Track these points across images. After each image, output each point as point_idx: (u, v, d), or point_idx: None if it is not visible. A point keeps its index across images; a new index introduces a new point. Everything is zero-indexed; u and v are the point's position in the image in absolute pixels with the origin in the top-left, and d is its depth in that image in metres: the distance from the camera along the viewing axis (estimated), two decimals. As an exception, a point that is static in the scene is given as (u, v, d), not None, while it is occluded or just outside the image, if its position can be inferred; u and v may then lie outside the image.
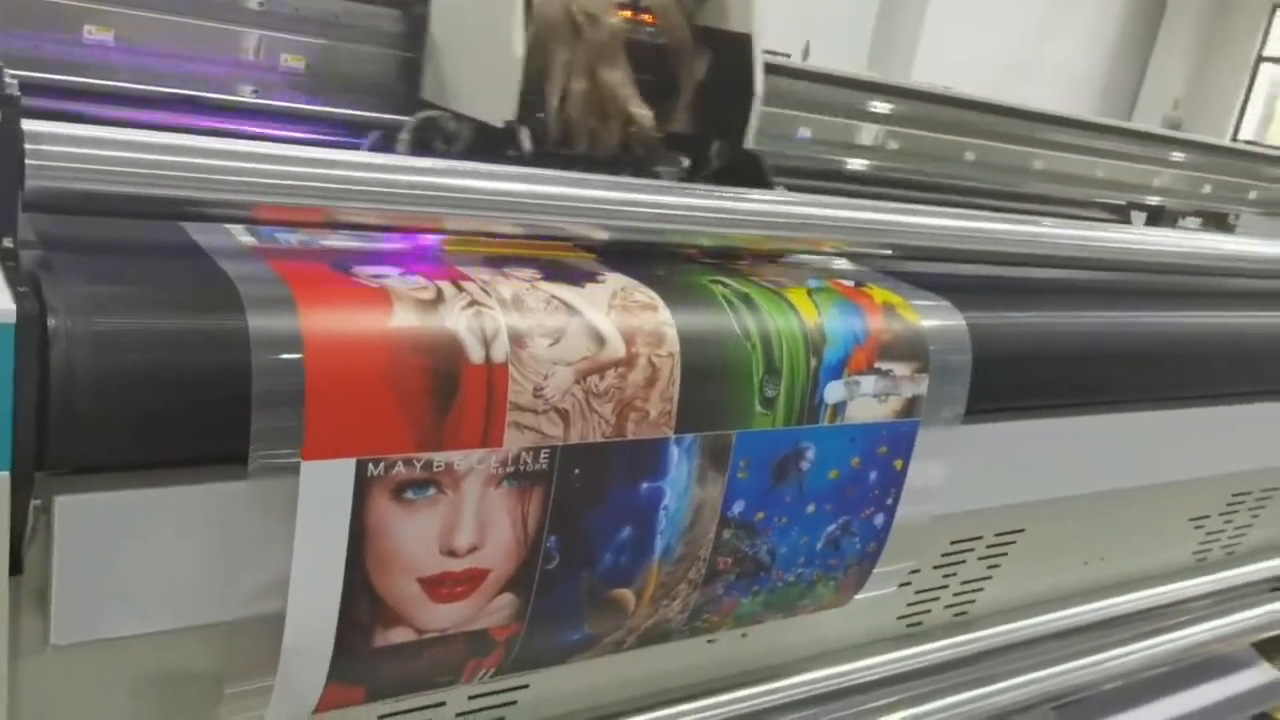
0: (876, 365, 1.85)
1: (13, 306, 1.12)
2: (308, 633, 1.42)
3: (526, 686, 1.86)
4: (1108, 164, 3.34)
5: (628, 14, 2.15)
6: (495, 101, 1.96)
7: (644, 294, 1.64)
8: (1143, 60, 12.17)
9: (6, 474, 1.16)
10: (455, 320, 1.43)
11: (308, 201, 1.43)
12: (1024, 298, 2.29)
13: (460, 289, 1.47)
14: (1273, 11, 12.13)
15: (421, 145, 2.12)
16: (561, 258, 1.76)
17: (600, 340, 1.55)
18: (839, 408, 1.83)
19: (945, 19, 9.53)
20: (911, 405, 1.92)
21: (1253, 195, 3.89)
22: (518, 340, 1.47)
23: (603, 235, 1.79)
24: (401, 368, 1.38)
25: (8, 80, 1.20)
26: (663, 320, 1.62)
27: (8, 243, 1.23)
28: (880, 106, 2.93)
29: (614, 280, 1.66)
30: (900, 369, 1.88)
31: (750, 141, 2.16)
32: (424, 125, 2.12)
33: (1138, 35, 12.00)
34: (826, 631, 2.20)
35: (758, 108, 2.13)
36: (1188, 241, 2.76)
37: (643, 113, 2.12)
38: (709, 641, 2.05)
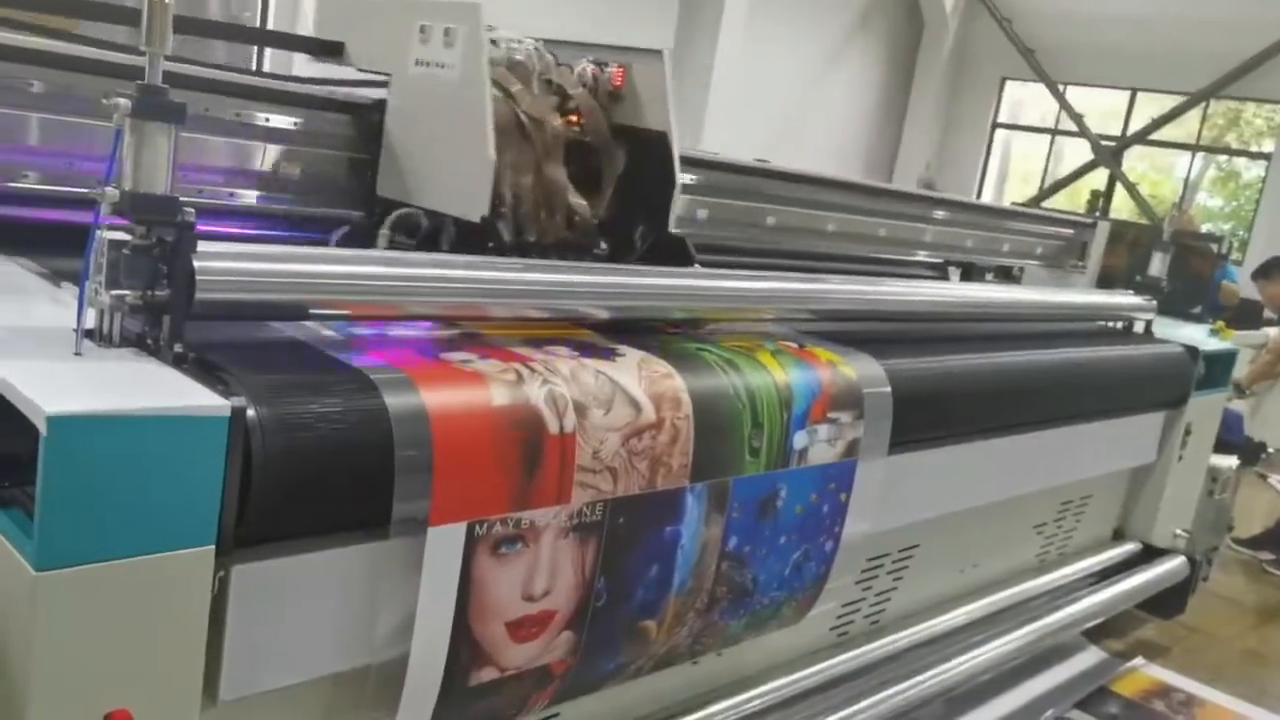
0: (829, 415, 2.22)
1: (226, 402, 1.29)
2: (423, 675, 1.60)
3: (558, 715, 2.07)
4: (935, 229, 3.90)
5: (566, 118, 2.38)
6: (469, 199, 2.15)
7: (660, 365, 1.93)
8: (897, 127, 13.57)
9: (212, 548, 1.31)
10: (536, 396, 1.67)
11: (401, 300, 1.64)
12: (905, 348, 2.71)
13: (531, 369, 1.71)
14: (1002, 83, 13.87)
15: (400, 239, 2.30)
16: (576, 336, 2.02)
17: (637, 407, 1.82)
18: (803, 453, 2.17)
19: (723, 100, 10.36)
20: (852, 447, 2.29)
21: (1039, 250, 4.60)
22: (581, 411, 1.72)
23: (604, 314, 2.06)
24: (502, 439, 1.61)
25: (185, 209, 1.37)
26: (679, 386, 1.91)
27: (178, 348, 1.39)
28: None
29: (632, 353, 1.94)
30: (844, 417, 2.25)
31: (673, 224, 2.43)
32: (402, 221, 2.30)
33: (891, 106, 13.40)
34: (780, 644, 2.52)
35: (679, 196, 2.43)
36: (1025, 294, 3.33)
37: (581, 203, 2.36)
38: (693, 663, 2.32)
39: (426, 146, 2.30)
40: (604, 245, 2.50)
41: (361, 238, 2.39)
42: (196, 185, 2.21)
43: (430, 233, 2.31)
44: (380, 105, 2.39)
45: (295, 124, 2.34)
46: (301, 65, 2.82)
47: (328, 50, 2.52)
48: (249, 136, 2.28)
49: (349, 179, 2.45)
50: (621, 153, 2.49)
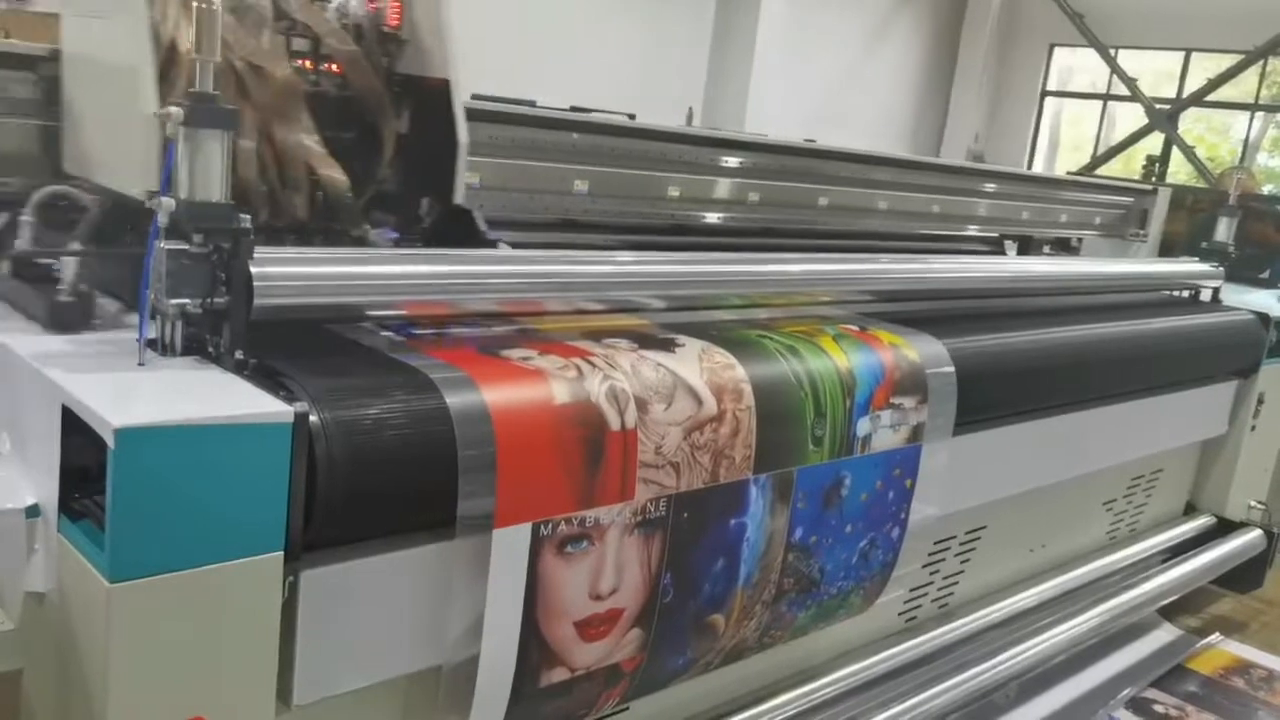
0: (892, 401, 2.17)
1: (289, 408, 1.28)
2: (494, 677, 1.59)
3: (627, 709, 2.05)
4: (989, 203, 3.81)
5: (306, 64, 1.91)
6: (133, 169, 1.63)
7: (721, 354, 1.90)
8: (944, 100, 13.33)
9: (280, 554, 1.31)
10: (597, 392, 1.64)
11: (460, 298, 1.63)
12: (967, 325, 2.63)
13: (591, 364, 1.69)
14: (1050, 50, 13.57)
15: (52, 223, 1.77)
16: (633, 327, 1.99)
17: (699, 400, 1.79)
18: (866, 440, 2.13)
19: (766, 78, 10.23)
20: (916, 431, 2.24)
21: (1097, 220, 4.48)
22: (642, 406, 1.70)
23: (659, 304, 2.03)
24: (564, 438, 1.59)
25: (241, 215, 1.36)
26: (740, 377, 1.88)
27: (239, 355, 1.39)
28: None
29: (692, 343, 1.91)
30: (908, 402, 2.20)
31: (461, 195, 1.94)
32: (51, 201, 1.76)
33: (937, 78, 13.16)
34: (848, 632, 2.48)
35: (465, 159, 1.93)
36: (1086, 266, 3.25)
37: (332, 175, 1.84)
38: (761, 653, 2.29)
39: (98, 105, 1.84)
40: (392, 221, 2.04)
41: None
42: None
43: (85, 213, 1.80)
44: (57, 56, 1.93)
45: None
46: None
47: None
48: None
49: (41, 153, 1.97)
50: (403, 109, 2.02)
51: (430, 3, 1.95)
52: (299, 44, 1.89)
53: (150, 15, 1.63)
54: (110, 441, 1.19)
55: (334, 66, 1.95)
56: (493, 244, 2.05)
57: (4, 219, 1.82)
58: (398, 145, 1.98)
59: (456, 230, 2.00)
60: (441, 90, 1.93)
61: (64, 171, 1.91)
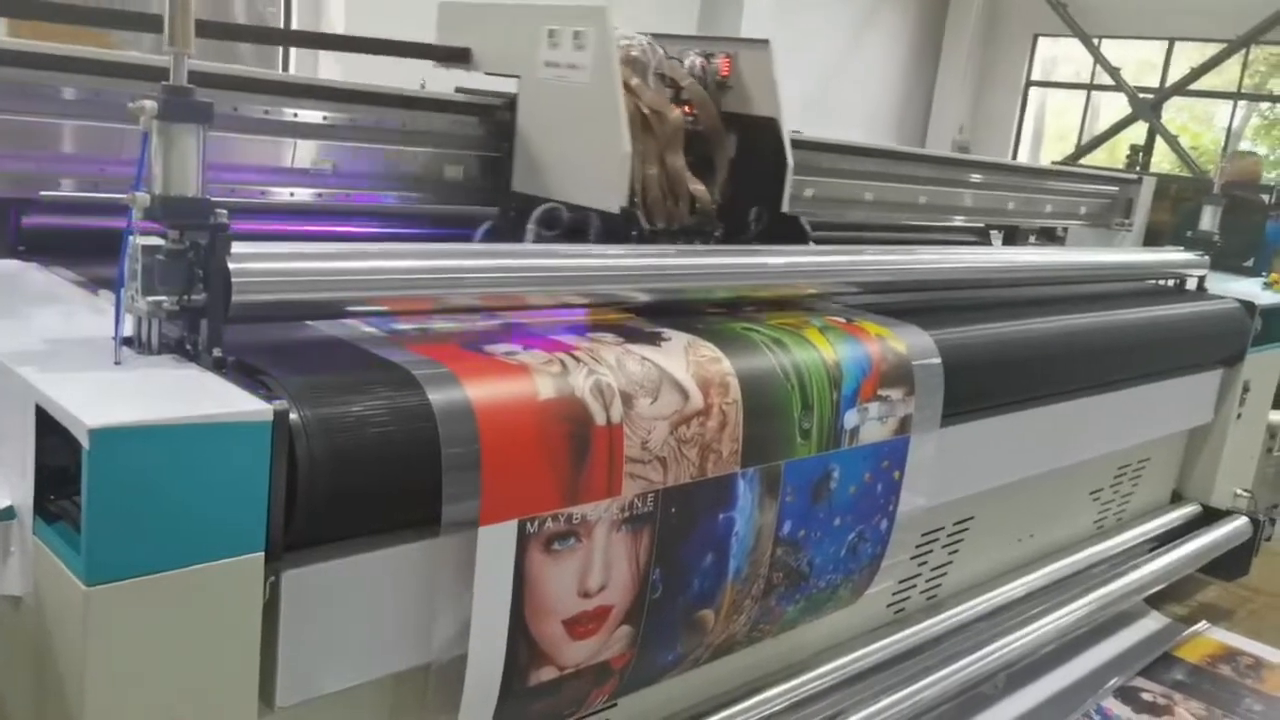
0: (879, 393, 2.15)
1: (268, 406, 1.26)
2: (482, 676, 1.58)
3: (615, 706, 2.04)
4: (975, 193, 3.80)
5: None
6: (607, 191, 2.29)
7: (708, 348, 1.88)
8: (929, 91, 13.34)
9: (261, 555, 1.29)
10: (581, 387, 1.62)
11: (443, 292, 1.60)
12: (953, 316, 2.62)
13: (576, 359, 1.67)
14: (1034, 40, 13.60)
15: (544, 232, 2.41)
16: (616, 321, 1.97)
17: (685, 394, 1.78)
18: (854, 432, 2.12)
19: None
20: (904, 423, 2.23)
21: (1082, 210, 4.48)
22: (628, 401, 1.68)
23: (644, 297, 2.02)
24: (549, 434, 1.57)
25: (218, 210, 1.33)
26: (726, 371, 1.86)
27: (217, 353, 1.37)
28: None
29: (678, 337, 1.89)
30: (895, 393, 2.19)
31: (787, 204, 2.57)
32: (546, 215, 2.40)
33: (922, 69, 13.17)
34: (836, 624, 2.47)
35: (790, 178, 2.56)
36: (1072, 256, 3.24)
37: (701, 189, 2.51)
38: (749, 646, 2.28)
39: (561, 143, 2.44)
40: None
41: (501, 233, 2.54)
42: (346, 189, 2.42)
43: (574, 225, 2.40)
44: (511, 105, 2.53)
45: (433, 126, 2.52)
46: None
47: (454, 57, 2.67)
48: (388, 141, 2.44)
49: (485, 177, 2.62)
50: (732, 139, 2.65)
51: (762, 60, 2.59)
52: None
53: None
54: (85, 442, 1.16)
55: (687, 107, 2.55)
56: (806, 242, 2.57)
57: (484, 229, 2.53)
58: (729, 167, 2.61)
59: (783, 234, 2.57)
60: (766, 124, 2.57)
61: (512, 189, 2.53)
